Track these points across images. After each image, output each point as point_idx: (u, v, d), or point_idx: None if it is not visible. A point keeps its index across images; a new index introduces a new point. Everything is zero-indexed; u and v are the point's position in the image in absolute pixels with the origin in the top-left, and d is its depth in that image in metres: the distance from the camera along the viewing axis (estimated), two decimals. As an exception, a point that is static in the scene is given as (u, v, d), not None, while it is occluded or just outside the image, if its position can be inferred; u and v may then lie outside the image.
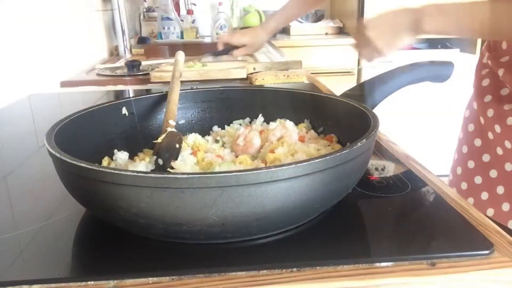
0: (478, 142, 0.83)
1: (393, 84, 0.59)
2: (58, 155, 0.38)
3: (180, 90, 0.61)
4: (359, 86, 0.63)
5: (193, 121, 0.63)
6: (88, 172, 0.36)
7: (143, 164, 0.47)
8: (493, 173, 0.79)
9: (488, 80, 0.82)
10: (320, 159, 0.36)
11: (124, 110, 0.57)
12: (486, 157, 0.80)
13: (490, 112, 0.79)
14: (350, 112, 0.52)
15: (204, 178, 0.33)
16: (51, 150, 0.39)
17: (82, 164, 0.36)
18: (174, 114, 0.56)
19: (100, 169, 0.36)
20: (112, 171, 0.35)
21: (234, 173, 0.33)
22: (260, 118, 0.62)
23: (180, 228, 0.36)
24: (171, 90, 0.59)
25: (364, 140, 0.40)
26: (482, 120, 0.81)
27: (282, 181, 0.35)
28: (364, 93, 0.60)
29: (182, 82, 0.63)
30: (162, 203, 0.34)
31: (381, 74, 0.65)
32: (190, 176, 0.33)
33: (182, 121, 0.63)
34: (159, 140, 0.50)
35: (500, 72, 0.77)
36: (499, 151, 0.78)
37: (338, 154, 0.37)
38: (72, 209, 0.45)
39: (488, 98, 0.80)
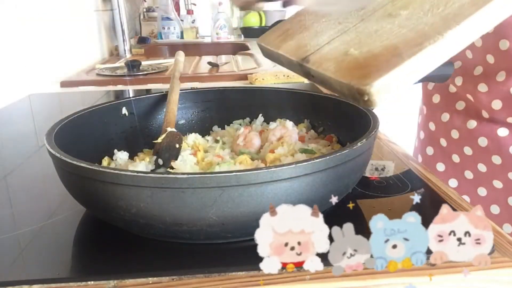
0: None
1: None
2: (58, 155, 0.38)
3: (180, 90, 0.61)
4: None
5: (193, 121, 0.63)
6: (88, 172, 0.36)
7: (143, 164, 0.47)
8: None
9: (439, 96, 0.75)
10: (320, 159, 0.36)
11: (124, 110, 0.57)
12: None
13: (455, 134, 0.73)
14: (350, 112, 0.52)
15: (204, 178, 0.33)
16: (51, 150, 0.39)
17: (82, 164, 0.36)
18: (174, 114, 0.56)
19: (100, 169, 0.36)
20: (112, 171, 0.35)
21: (234, 173, 0.33)
22: (260, 118, 0.62)
23: (180, 228, 0.36)
24: (171, 90, 0.59)
25: (364, 140, 0.40)
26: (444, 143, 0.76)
27: (282, 181, 0.35)
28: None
29: (185, 78, 0.62)
30: (162, 203, 0.34)
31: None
32: (190, 176, 0.33)
33: (182, 121, 0.63)
34: (159, 140, 0.50)
35: (458, 81, 0.70)
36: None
37: (338, 154, 0.37)
38: (72, 209, 0.45)
39: (445, 117, 0.74)
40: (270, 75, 1.09)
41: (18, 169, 0.60)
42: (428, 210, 0.45)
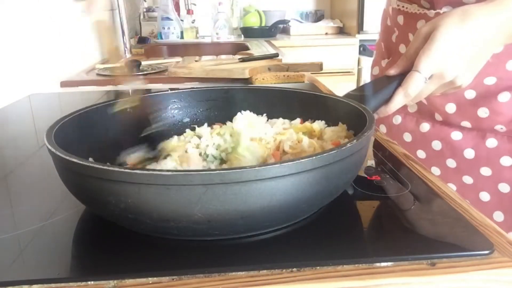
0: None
1: (395, 85, 0.59)
2: (53, 150, 0.38)
3: (184, 89, 0.61)
4: (362, 86, 0.63)
5: (197, 119, 0.64)
6: (80, 168, 0.36)
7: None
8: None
9: (416, 105, 0.73)
10: (306, 159, 0.35)
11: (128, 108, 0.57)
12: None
13: (408, 137, 0.71)
14: (350, 112, 0.52)
15: (188, 175, 0.34)
16: (49, 146, 0.40)
17: (73, 159, 0.36)
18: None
19: (90, 164, 0.36)
20: (101, 166, 0.35)
21: (217, 171, 0.33)
22: (264, 118, 0.62)
23: (167, 224, 0.36)
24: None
25: (355, 141, 0.39)
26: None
27: (267, 180, 0.35)
28: (366, 94, 0.59)
29: (186, 78, 0.62)
30: (148, 199, 0.35)
31: (384, 75, 0.65)
32: (174, 173, 0.34)
33: (186, 119, 0.63)
34: None
35: None
36: None
37: (325, 154, 0.36)
38: (72, 208, 0.45)
39: (397, 119, 0.72)
40: (270, 75, 1.09)
41: (18, 169, 0.60)
42: (428, 210, 0.45)
